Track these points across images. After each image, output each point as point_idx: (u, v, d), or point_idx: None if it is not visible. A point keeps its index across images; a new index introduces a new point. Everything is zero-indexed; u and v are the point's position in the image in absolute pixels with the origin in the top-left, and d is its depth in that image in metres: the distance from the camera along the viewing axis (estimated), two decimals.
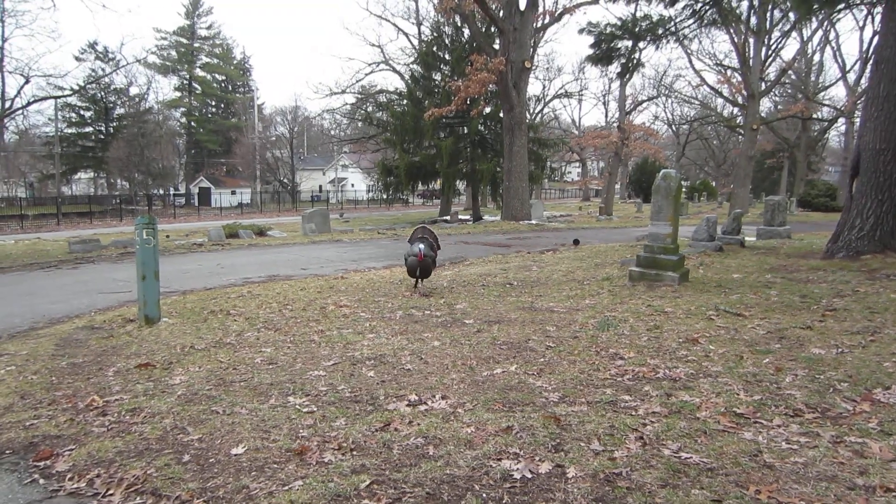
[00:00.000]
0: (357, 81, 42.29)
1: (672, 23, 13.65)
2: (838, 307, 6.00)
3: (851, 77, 42.34)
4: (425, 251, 7.66)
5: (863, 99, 14.41)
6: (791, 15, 27.62)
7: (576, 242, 14.67)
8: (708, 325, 5.36)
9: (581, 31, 12.62)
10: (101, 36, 73.37)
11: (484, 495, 2.40)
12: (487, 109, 31.10)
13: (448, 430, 3.04)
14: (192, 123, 62.76)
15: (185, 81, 61.57)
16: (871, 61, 10.75)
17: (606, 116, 62.08)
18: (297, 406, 3.48)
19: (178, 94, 62.04)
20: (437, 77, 33.35)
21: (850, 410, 3.26)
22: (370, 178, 47.88)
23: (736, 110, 45.22)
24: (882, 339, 4.74)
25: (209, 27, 61.76)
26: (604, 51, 12.95)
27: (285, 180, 62.66)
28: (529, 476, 2.53)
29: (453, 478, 2.54)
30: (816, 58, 46.80)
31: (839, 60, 42.10)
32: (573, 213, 42.13)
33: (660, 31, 13.47)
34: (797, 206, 42.25)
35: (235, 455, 2.87)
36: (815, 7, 9.32)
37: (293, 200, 53.01)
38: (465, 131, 32.70)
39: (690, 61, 41.89)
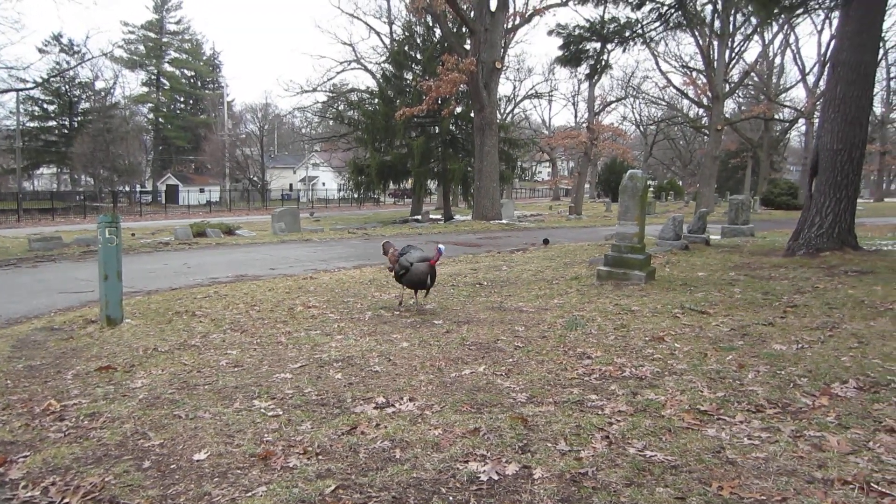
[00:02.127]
0: (328, 80, 42.07)
1: (639, 25, 13.82)
2: (799, 303, 6.14)
3: (811, 79, 43.49)
4: (423, 256, 6.27)
5: (821, 100, 14.78)
6: (753, 19, 28.23)
7: (545, 242, 14.77)
8: (673, 323, 5.43)
9: (550, 32, 12.70)
10: (65, 28, 71.62)
11: (451, 498, 2.39)
12: (459, 109, 31.13)
13: (415, 433, 3.02)
14: (160, 119, 61.57)
15: (152, 76, 60.40)
16: (828, 64, 11.01)
17: (576, 117, 62.66)
18: (262, 410, 3.43)
19: (145, 89, 60.85)
20: (409, 76, 33.27)
21: (809, 405, 3.33)
22: (341, 176, 47.49)
23: (701, 111, 46.01)
24: (840, 335, 4.86)
25: (178, 22, 60.70)
26: (573, 52, 13.05)
27: (255, 178, 61.82)
28: (496, 478, 2.52)
29: (420, 481, 2.53)
30: (778, 60, 47.96)
31: (799, 63, 43.12)
32: (544, 212, 42.41)
33: (627, 34, 13.62)
34: (760, 204, 43.22)
35: (198, 461, 2.81)
36: (775, 11, 9.49)
37: (263, 199, 52.38)
38: (437, 131, 32.69)
39: (657, 63, 42.38)
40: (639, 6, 13.61)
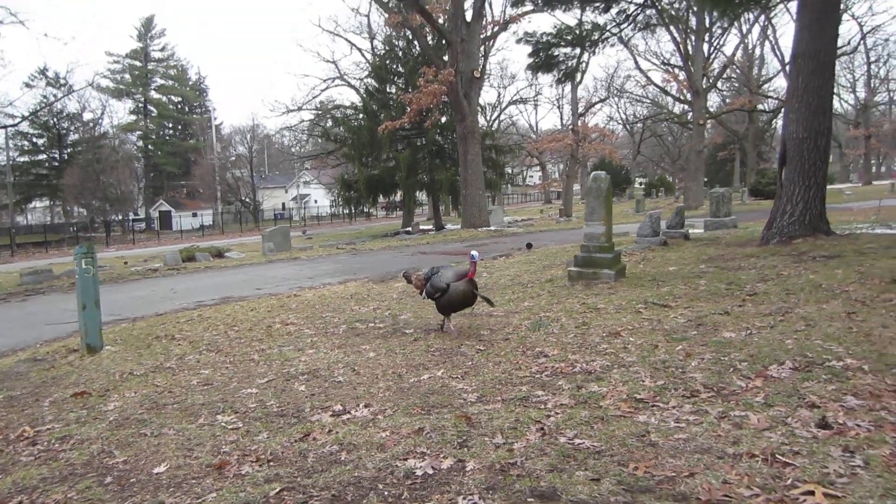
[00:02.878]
0: (313, 98, 42.30)
1: (606, 29, 14.09)
2: (759, 291, 6.32)
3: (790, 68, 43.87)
4: (458, 272, 5.57)
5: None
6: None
7: (528, 246, 14.95)
8: (634, 318, 5.61)
9: (519, 41, 12.95)
10: (50, 63, 71.94)
11: (386, 493, 2.55)
12: (444, 119, 31.45)
13: (364, 436, 3.19)
14: (150, 146, 61.92)
15: (140, 104, 60.77)
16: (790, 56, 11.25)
17: (562, 120, 63.07)
18: (223, 424, 3.59)
19: (133, 117, 61.20)
20: (392, 90, 33.60)
21: (743, 387, 3.50)
22: (332, 193, 47.76)
23: (686, 107, 46.44)
24: (790, 319, 5.04)
25: (162, 49, 61.18)
26: (542, 59, 13.30)
27: (247, 200, 62.18)
28: (431, 472, 2.69)
29: (360, 479, 2.69)
30: (758, 52, 48.45)
31: (778, 53, 43.45)
32: (534, 216, 42.67)
33: (595, 37, 13.90)
34: (749, 195, 43.51)
35: (157, 474, 2.97)
36: (727, 10, 9.73)
37: (255, 220, 52.60)
38: (423, 142, 32.99)
39: (636, 62, 42.90)
40: (606, 9, 13.88)
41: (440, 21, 22.92)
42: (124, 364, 5.47)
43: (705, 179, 66.52)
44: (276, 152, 74.70)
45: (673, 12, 22.51)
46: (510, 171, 46.95)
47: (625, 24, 14.34)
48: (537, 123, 66.03)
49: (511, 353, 4.76)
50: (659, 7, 13.41)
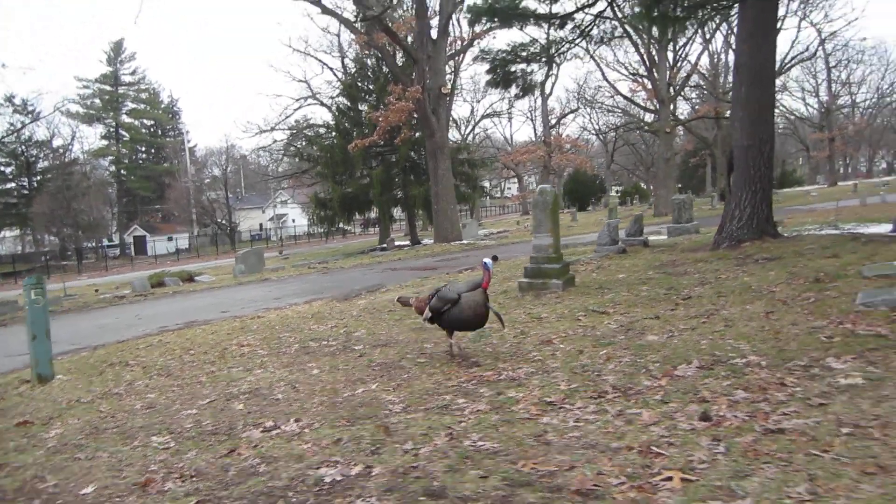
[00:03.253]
0: (286, 117, 42.47)
1: (562, 44, 14.46)
2: (694, 295, 6.60)
3: None
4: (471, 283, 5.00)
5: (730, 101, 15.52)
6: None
7: (494, 259, 15.16)
8: (571, 325, 5.84)
9: (475, 58, 13.26)
10: (16, 90, 71.33)
11: (294, 500, 2.73)
12: (417, 135, 31.78)
13: (286, 449, 3.36)
14: (123, 171, 61.57)
15: (111, 129, 60.45)
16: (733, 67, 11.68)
17: (535, 131, 63.72)
18: (157, 444, 3.74)
19: (105, 142, 60.87)
20: (364, 108, 33.87)
21: (648, 387, 3.73)
22: (308, 213, 47.88)
23: (655, 115, 47.28)
24: (713, 320, 5.30)
25: (133, 73, 61.03)
26: (500, 75, 13.61)
27: (223, 222, 62.00)
28: (340, 479, 2.87)
29: (273, 489, 2.87)
30: (723, 59, 49.48)
31: None
32: (511, 228, 42.99)
33: (552, 52, 14.26)
34: (719, 200, 44.26)
35: (84, 494, 3.12)
36: (664, 26, 10.11)
37: (232, 242, 52.36)
38: (396, 158, 33.26)
39: (603, 73, 43.63)
40: (561, 25, 14.26)
41: (406, 39, 23.26)
42: (73, 392, 5.57)
43: (679, 185, 67.70)
44: (252, 173, 74.61)
45: (628, 27, 23.06)
46: (487, 185, 47.45)
47: (579, 39, 14.71)
48: (512, 136, 66.79)
49: (446, 364, 4.96)
50: (613, 22, 13.70)
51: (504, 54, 12.76)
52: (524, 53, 12.77)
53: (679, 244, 13.20)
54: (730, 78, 53.47)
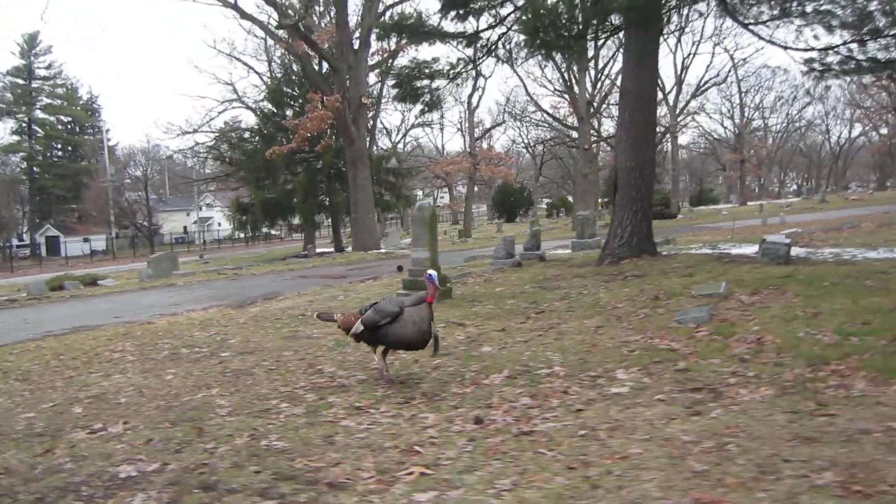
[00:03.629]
0: (210, 120, 41.59)
1: (469, 62, 15.01)
2: (548, 309, 7.13)
3: (671, 97, 47.33)
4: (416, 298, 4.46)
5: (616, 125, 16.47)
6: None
7: (399, 269, 15.56)
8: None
9: (381, 72, 13.57)
10: None
11: (84, 493, 2.97)
12: (342, 142, 31.85)
13: (99, 449, 3.58)
14: (36, 169, 58.65)
15: (23, 124, 57.52)
16: (619, 92, 12.48)
17: (464, 143, 64.66)
18: None
19: (16, 137, 57.83)
20: (290, 113, 33.69)
21: (453, 394, 4.15)
22: (229, 217, 47.00)
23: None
24: (548, 334, 5.80)
25: (48, 67, 58.29)
26: (407, 91, 14.01)
27: (144, 223, 60.00)
28: (134, 475, 3.13)
29: (69, 484, 3.09)
30: None
31: (659, 83, 46.56)
32: (438, 237, 43.64)
33: (459, 68, 14.79)
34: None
35: None
36: (535, 50, 10.76)
37: (150, 245, 50.71)
38: (321, 165, 33.22)
39: (526, 88, 44.88)
40: (468, 44, 14.82)
41: (330, 48, 23.42)
42: None
43: (605, 200, 70.10)
44: (176, 174, 72.44)
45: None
46: (420, 194, 47.84)
47: (484, 57, 15.28)
48: (443, 146, 67.44)
49: (294, 371, 5.25)
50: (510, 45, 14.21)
51: (408, 70, 13.17)
52: (427, 70, 13.20)
53: (573, 259, 13.91)
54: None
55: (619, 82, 46.87)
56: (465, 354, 5.21)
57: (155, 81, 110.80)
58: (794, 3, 8.65)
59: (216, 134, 40.93)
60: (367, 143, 39.01)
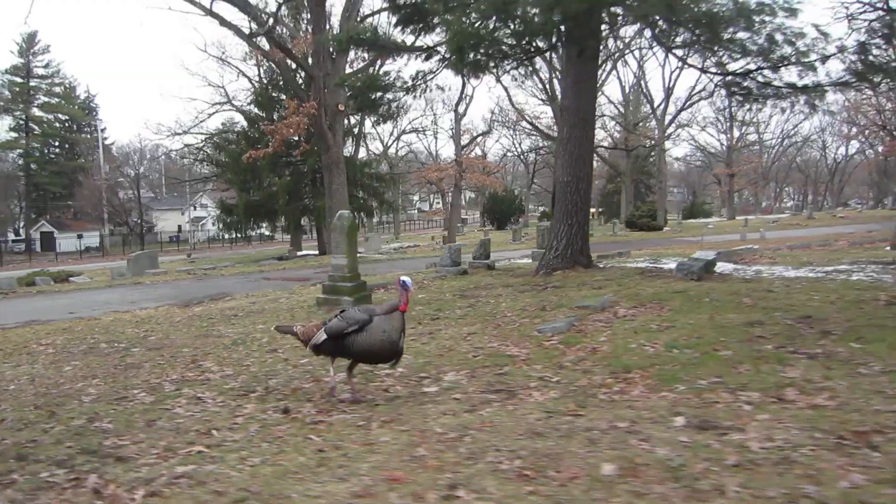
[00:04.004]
0: (200, 122, 42.19)
1: (431, 74, 15.51)
2: (447, 316, 7.59)
3: (660, 110, 47.92)
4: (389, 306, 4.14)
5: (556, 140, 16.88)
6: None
7: None
8: None
9: (336, 84, 14.09)
10: None
11: None
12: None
13: None
14: (33, 165, 59.36)
15: (21, 122, 58.25)
16: (559, 109, 12.96)
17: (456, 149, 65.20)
18: None
19: (14, 134, 58.55)
20: (276, 117, 34.27)
21: (294, 389, 4.62)
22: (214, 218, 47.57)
23: None
24: (420, 340, 6.26)
25: (46, 66, 59.04)
26: (362, 101, 14.50)
27: (139, 221, 60.61)
28: None
29: None
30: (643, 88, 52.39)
31: (647, 96, 47.20)
32: (424, 243, 44.07)
33: (417, 81, 15.29)
34: (625, 226, 46.76)
35: None
36: (474, 71, 11.24)
37: (141, 243, 51.30)
38: (306, 169, 33.81)
39: (510, 98, 45.42)
40: (427, 58, 15.33)
41: (301, 55, 23.95)
42: None
43: (600, 210, 70.62)
44: (171, 173, 73.07)
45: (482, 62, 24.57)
46: (416, 198, 48.27)
47: (439, 70, 15.64)
48: (437, 151, 67.97)
49: (178, 366, 5.74)
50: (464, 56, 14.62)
51: (359, 83, 13.67)
52: (381, 83, 13.69)
53: (520, 269, 14.35)
54: (646, 108, 56.82)
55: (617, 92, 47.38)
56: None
57: (151, 80, 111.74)
58: (707, 32, 9.12)
59: (206, 136, 41.54)
60: (355, 148, 39.77)
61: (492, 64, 10.50)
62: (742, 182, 66.01)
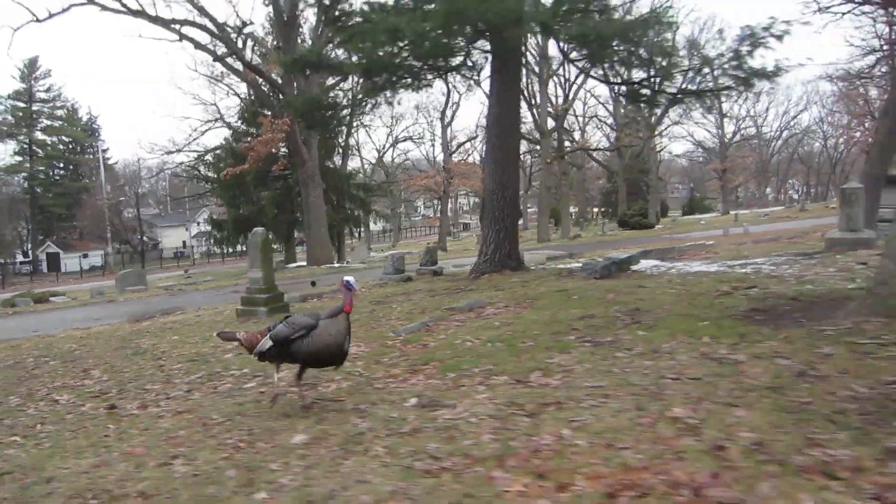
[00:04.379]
0: (194, 139, 43.28)
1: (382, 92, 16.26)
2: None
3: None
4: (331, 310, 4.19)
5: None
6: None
7: (313, 284, 16.81)
8: (209, 345, 7.44)
9: (280, 108, 14.86)
10: None
11: None
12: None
13: None
14: (38, 188, 61.06)
15: (24, 146, 59.94)
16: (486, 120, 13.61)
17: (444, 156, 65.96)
18: None
19: (18, 158, 60.26)
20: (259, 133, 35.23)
21: (146, 388, 5.34)
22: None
23: (567, 144, 50.17)
24: None
25: (48, 90, 60.75)
26: (308, 121, 15.30)
27: (145, 239, 62.05)
28: None
29: None
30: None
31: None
32: (418, 249, 44.83)
33: (360, 98, 16.09)
34: (618, 226, 47.22)
35: None
36: (392, 91, 11.96)
37: (143, 260, 52.58)
38: (293, 182, 34.65)
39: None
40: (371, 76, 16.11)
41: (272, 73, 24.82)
42: None
43: (602, 209, 70.96)
44: (178, 189, 74.48)
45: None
46: (420, 205, 48.69)
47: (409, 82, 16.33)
48: (435, 157, 68.82)
49: (66, 374, 6.48)
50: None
51: (299, 103, 14.43)
52: (322, 103, 14.48)
53: (461, 274, 15.00)
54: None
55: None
56: (202, 359, 6.42)
57: (154, 101, 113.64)
58: (597, 48, 9.78)
59: (198, 154, 42.65)
60: (342, 160, 40.60)
61: (406, 82, 11.18)
62: (743, 176, 66.20)
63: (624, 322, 6.01)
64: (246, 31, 22.76)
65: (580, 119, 52.92)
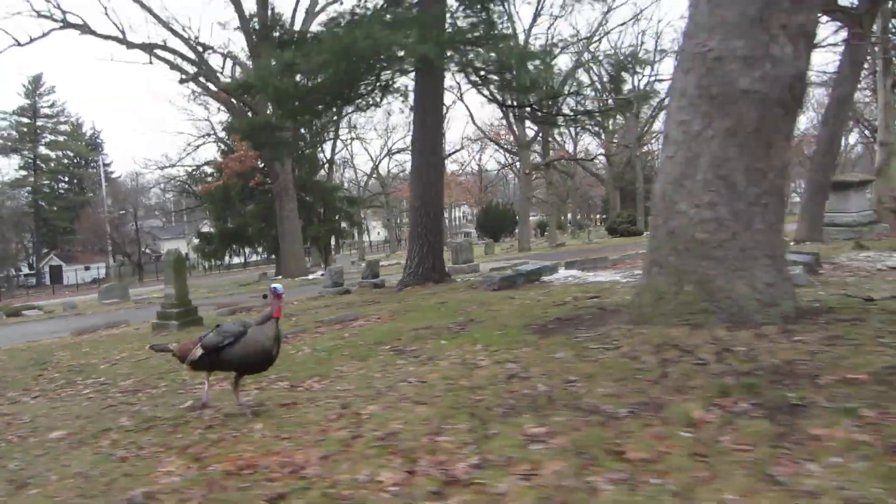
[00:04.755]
0: (188, 154, 44.59)
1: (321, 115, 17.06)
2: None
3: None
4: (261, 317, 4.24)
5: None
6: None
7: (264, 297, 17.55)
8: (130, 354, 8.20)
9: (224, 129, 15.66)
10: None
11: None
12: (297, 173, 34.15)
13: None
14: (42, 202, 62.72)
15: (29, 160, 61.67)
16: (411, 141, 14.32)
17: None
18: None
19: (23, 173, 62.01)
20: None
21: (70, 391, 6.12)
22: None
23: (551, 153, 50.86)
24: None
25: (52, 105, 62.50)
26: (254, 143, 16.14)
27: (147, 250, 63.52)
28: None
29: None
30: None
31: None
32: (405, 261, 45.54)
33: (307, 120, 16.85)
34: (607, 233, 47.65)
35: None
36: (310, 119, 12.75)
37: (140, 272, 53.83)
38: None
39: (472, 117, 47.18)
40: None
41: None
42: None
43: (603, 217, 71.34)
44: (169, 203, 75.86)
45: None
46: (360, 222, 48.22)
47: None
48: None
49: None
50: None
51: (244, 125, 15.27)
52: (265, 124, 15.29)
53: (393, 287, 15.64)
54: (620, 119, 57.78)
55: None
56: (72, 368, 7.20)
57: (157, 116, 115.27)
58: (488, 75, 10.52)
59: (190, 169, 43.86)
60: (328, 173, 41.49)
61: (317, 109, 11.95)
62: None
63: (450, 332, 6.66)
64: (226, 52, 23.69)
65: (572, 129, 53.73)
